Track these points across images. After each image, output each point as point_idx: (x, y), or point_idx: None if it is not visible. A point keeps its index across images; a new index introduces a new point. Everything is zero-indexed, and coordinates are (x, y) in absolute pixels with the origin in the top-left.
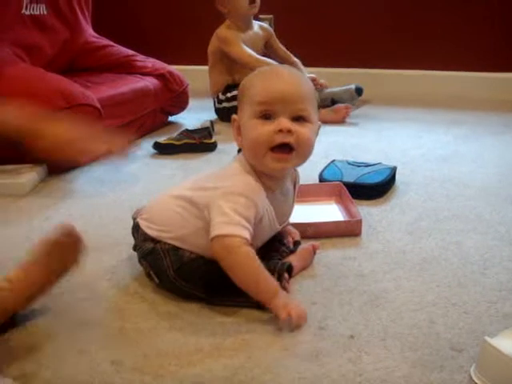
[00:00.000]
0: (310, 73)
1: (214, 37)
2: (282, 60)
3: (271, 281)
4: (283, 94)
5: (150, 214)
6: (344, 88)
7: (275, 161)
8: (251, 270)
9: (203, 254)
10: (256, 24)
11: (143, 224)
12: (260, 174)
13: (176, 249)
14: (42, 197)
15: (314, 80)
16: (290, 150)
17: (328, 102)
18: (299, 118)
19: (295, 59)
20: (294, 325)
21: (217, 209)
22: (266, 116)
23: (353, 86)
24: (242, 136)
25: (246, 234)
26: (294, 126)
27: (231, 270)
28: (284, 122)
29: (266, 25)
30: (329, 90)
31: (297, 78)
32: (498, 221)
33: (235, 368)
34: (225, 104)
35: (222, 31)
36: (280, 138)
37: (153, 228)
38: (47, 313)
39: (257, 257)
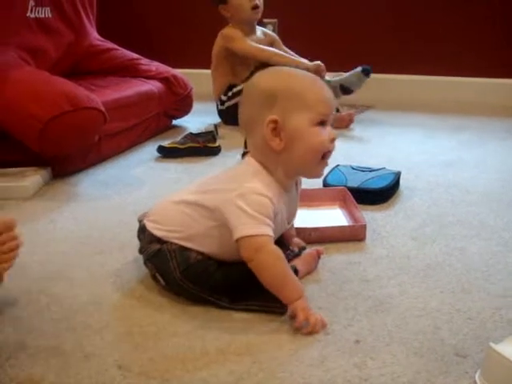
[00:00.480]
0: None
1: (219, 37)
2: None
3: (298, 282)
4: (332, 102)
5: (158, 215)
6: (351, 72)
7: (321, 167)
8: (280, 270)
9: (212, 255)
10: (259, 30)
11: (150, 225)
12: (279, 176)
13: (183, 249)
14: (46, 200)
15: (320, 67)
16: (329, 157)
17: (338, 90)
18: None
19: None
20: (309, 329)
21: (237, 209)
22: (322, 123)
23: (359, 68)
24: (296, 141)
25: (271, 232)
26: None
27: (261, 269)
28: (334, 132)
29: (269, 31)
30: (336, 78)
31: None
32: (501, 227)
33: (240, 373)
34: (227, 103)
35: (227, 30)
36: (332, 146)
37: (161, 229)
38: (52, 316)
39: (283, 256)
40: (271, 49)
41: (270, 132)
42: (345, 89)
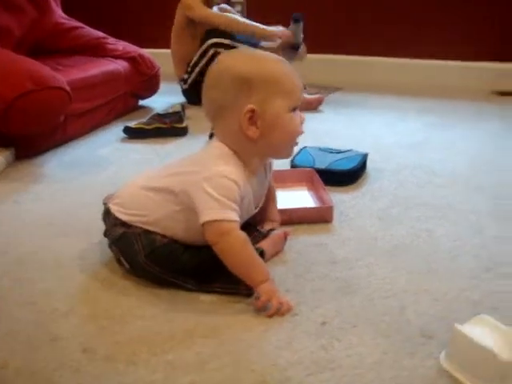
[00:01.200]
0: None
1: (178, 7)
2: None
3: (263, 265)
4: (301, 86)
5: (122, 199)
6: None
7: (292, 148)
8: (246, 254)
9: (177, 239)
10: (215, 8)
11: (114, 209)
12: (248, 160)
13: (148, 233)
14: (10, 181)
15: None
16: None
17: (287, 52)
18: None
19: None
20: (270, 312)
21: (203, 193)
22: (294, 109)
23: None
24: (273, 129)
25: (236, 217)
26: None
27: (225, 253)
28: (303, 114)
29: (226, 6)
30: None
31: None
32: (468, 209)
33: (207, 355)
34: (189, 80)
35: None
36: (302, 129)
37: (125, 212)
38: (17, 300)
39: (249, 240)
40: (230, 15)
41: (246, 121)
42: (292, 46)
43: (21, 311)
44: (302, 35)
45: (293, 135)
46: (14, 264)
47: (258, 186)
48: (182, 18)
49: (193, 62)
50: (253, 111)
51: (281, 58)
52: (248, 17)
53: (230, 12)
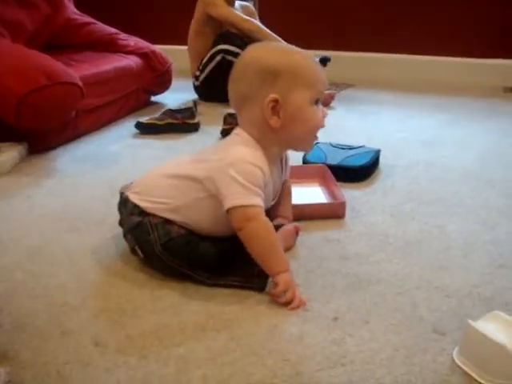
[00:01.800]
0: None
1: (199, 3)
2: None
3: (284, 256)
4: (325, 79)
5: (143, 187)
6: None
7: (314, 141)
8: (270, 240)
9: (196, 228)
10: (237, 3)
11: (134, 197)
12: (269, 149)
13: (165, 223)
14: (22, 175)
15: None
16: None
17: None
18: None
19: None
20: (283, 300)
21: (228, 178)
22: (317, 102)
23: (317, 58)
24: (296, 119)
25: (261, 202)
26: None
27: (251, 238)
28: (325, 109)
29: (247, 3)
30: None
31: None
32: (479, 205)
33: (218, 349)
34: (201, 77)
35: None
36: (324, 123)
37: (145, 200)
38: (29, 294)
39: (273, 227)
40: (254, 21)
41: (269, 110)
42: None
43: (33, 304)
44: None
45: (314, 128)
46: (27, 258)
47: (277, 176)
48: (202, 15)
49: (204, 61)
50: (276, 101)
51: (307, 52)
52: (260, 14)
53: (251, 9)
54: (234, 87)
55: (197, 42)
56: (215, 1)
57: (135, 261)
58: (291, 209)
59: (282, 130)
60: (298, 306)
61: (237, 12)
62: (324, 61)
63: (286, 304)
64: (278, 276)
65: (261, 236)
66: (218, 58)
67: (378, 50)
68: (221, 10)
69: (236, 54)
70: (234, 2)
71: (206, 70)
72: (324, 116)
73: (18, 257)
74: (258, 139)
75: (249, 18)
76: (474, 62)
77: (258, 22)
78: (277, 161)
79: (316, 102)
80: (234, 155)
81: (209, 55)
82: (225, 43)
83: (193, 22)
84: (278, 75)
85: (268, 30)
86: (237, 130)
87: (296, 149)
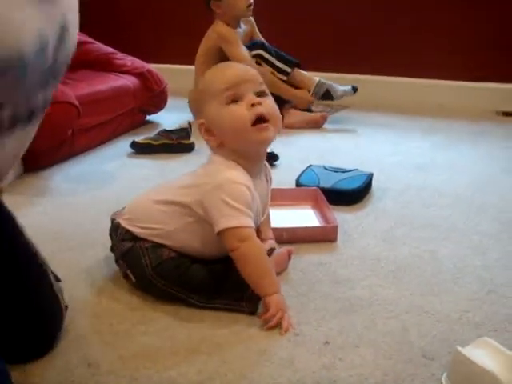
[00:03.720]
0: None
1: (212, 33)
2: None
3: (276, 278)
4: (243, 75)
5: (133, 214)
6: (343, 87)
7: (258, 132)
8: (264, 261)
9: (187, 251)
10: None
11: (125, 223)
12: (242, 163)
13: (156, 246)
14: (17, 194)
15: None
16: (265, 120)
17: (321, 91)
18: (261, 94)
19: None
20: (274, 322)
21: (217, 200)
22: (234, 100)
23: (350, 87)
24: (218, 128)
25: (252, 223)
26: (261, 99)
27: (245, 259)
28: (252, 97)
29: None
30: (327, 82)
31: (246, 66)
32: (471, 230)
33: (210, 372)
34: None
35: (222, 28)
36: (255, 112)
37: (136, 225)
38: None
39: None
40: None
41: (204, 134)
42: (327, 94)
43: None
44: (340, 98)
45: (236, 124)
46: None
47: (262, 191)
48: (214, 45)
49: None
50: (203, 124)
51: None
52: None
53: (251, 23)
54: None
55: (205, 67)
56: (231, 38)
57: (128, 283)
58: (270, 229)
59: (226, 144)
60: (286, 329)
61: (247, 55)
62: (355, 89)
63: (276, 326)
64: (270, 297)
65: (254, 257)
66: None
67: (372, 72)
68: (235, 52)
69: (267, 60)
70: (239, 23)
71: None
72: (250, 105)
73: None
74: (228, 158)
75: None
76: (467, 86)
77: (270, 75)
78: (257, 174)
79: (232, 101)
80: (219, 177)
81: None
82: (257, 49)
83: (202, 46)
84: (198, 104)
85: (281, 84)
86: (211, 156)
87: (252, 150)
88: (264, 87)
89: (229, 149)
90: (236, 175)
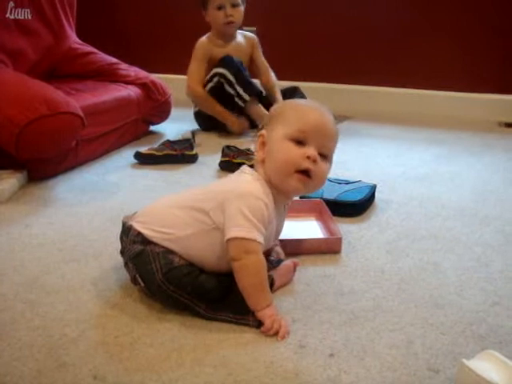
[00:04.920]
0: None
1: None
2: (260, 76)
3: (269, 292)
4: (319, 125)
5: (147, 217)
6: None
7: (298, 181)
8: (261, 277)
9: (197, 261)
10: (240, 34)
11: (138, 226)
12: (271, 187)
13: (167, 252)
14: (21, 204)
15: None
16: (309, 176)
17: None
18: (322, 156)
19: (275, 82)
20: (272, 332)
21: (235, 210)
22: (298, 141)
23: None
24: (270, 152)
25: (262, 240)
26: (319, 159)
27: (245, 271)
28: (313, 151)
29: (250, 34)
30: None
31: (331, 117)
32: (474, 242)
33: None
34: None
35: (200, 40)
36: (306, 164)
37: (149, 228)
38: (28, 325)
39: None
40: (207, 97)
41: (258, 144)
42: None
43: (30, 336)
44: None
45: (286, 162)
46: (25, 288)
47: (279, 219)
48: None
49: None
50: (263, 136)
51: (317, 105)
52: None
53: (254, 41)
54: None
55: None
56: (194, 52)
57: (134, 293)
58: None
59: (266, 163)
60: (283, 336)
61: (196, 76)
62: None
63: (275, 335)
64: (262, 312)
65: (255, 270)
66: (215, 79)
67: (375, 83)
68: (189, 66)
69: (230, 82)
70: (231, 39)
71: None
72: (306, 156)
73: (16, 286)
74: (262, 176)
75: (204, 96)
76: (469, 97)
77: (203, 99)
78: (281, 204)
79: (297, 141)
80: (243, 188)
81: (208, 77)
82: (223, 67)
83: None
84: (271, 118)
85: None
86: (247, 168)
87: (280, 186)
88: (330, 152)
89: (264, 168)
90: (260, 192)
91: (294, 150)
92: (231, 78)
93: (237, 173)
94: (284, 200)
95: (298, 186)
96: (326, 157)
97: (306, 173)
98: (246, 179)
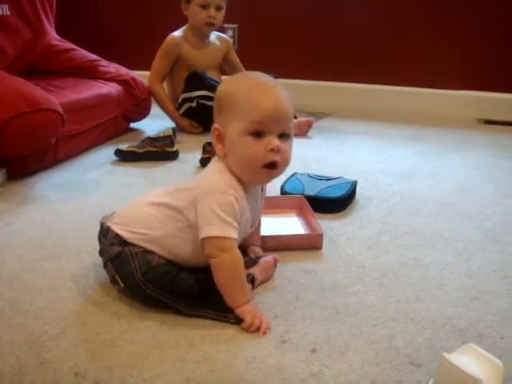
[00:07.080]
0: None
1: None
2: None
3: (248, 288)
4: (276, 113)
5: (124, 218)
6: None
7: (265, 176)
8: (238, 273)
9: (174, 259)
10: (214, 34)
11: (115, 227)
12: (238, 177)
13: (146, 252)
14: (1, 201)
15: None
16: (275, 166)
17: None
18: (284, 135)
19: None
20: (253, 328)
21: (206, 208)
22: (257, 133)
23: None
24: (231, 150)
25: (236, 235)
26: (281, 144)
27: (221, 268)
28: (275, 142)
29: (225, 36)
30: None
31: (284, 95)
32: (455, 237)
33: (198, 382)
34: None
35: (172, 35)
36: (271, 157)
37: (126, 230)
38: (8, 323)
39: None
40: (162, 95)
41: (214, 139)
42: None
43: (11, 333)
44: None
45: (249, 160)
46: (5, 285)
47: (253, 204)
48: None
49: (179, 102)
50: (217, 130)
51: (265, 79)
52: (240, 43)
53: (228, 43)
54: None
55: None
56: (162, 46)
57: (114, 290)
58: (260, 237)
59: (228, 159)
60: (264, 332)
61: (158, 75)
62: None
63: (257, 330)
64: (241, 308)
65: (232, 267)
66: (193, 104)
67: (355, 80)
68: (155, 60)
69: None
70: (205, 37)
71: (182, 110)
72: (269, 149)
73: None
74: (228, 168)
75: (161, 93)
76: (449, 94)
77: (160, 92)
78: (253, 189)
79: (255, 134)
80: (211, 184)
81: (181, 98)
82: (198, 89)
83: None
84: (221, 104)
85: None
86: (213, 160)
87: (247, 180)
88: (290, 130)
89: (227, 163)
90: (227, 185)
91: (255, 146)
92: (210, 94)
93: (208, 166)
94: (257, 186)
95: (265, 180)
96: (288, 135)
97: (272, 165)
98: (213, 173)
